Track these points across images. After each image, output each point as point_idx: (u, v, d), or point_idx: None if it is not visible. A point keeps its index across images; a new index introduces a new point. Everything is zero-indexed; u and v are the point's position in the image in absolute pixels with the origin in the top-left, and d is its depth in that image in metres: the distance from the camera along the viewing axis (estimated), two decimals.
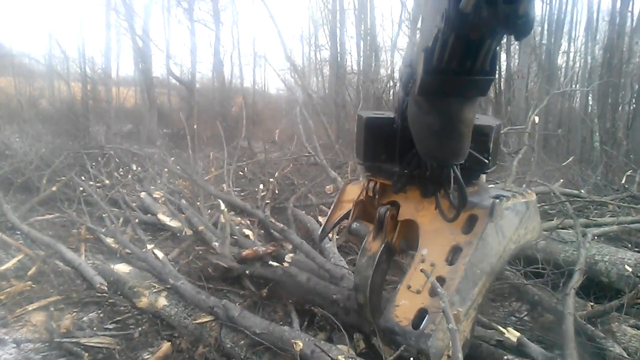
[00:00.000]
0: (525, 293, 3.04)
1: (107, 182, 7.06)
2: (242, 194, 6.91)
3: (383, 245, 1.89)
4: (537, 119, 6.40)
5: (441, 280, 1.56)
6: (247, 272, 3.42)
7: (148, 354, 2.75)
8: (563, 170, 6.93)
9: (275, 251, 3.44)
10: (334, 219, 2.26)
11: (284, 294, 3.24)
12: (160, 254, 4.14)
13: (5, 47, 18.51)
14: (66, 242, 4.60)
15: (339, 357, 2.08)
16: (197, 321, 2.89)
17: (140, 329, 3.03)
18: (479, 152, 1.63)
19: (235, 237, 4.28)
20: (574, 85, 12.93)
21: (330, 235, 3.66)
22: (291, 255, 3.44)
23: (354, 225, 2.13)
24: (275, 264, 3.28)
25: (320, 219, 5.14)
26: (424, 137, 1.44)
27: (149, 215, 5.55)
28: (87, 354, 2.69)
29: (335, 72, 14.70)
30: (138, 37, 14.77)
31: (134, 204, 5.93)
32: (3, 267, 3.82)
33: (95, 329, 3.05)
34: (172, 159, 9.05)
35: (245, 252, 3.44)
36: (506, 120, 9.49)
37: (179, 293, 3.25)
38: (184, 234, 4.84)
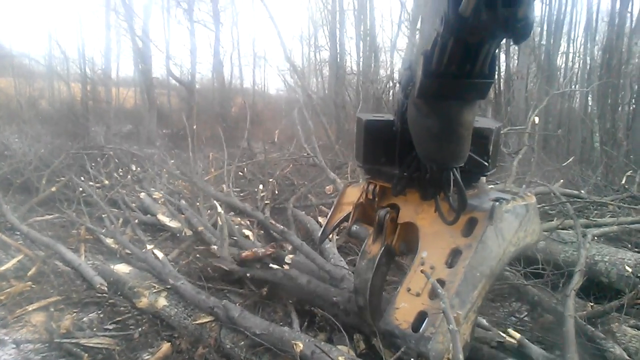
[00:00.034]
0: (525, 293, 3.04)
1: (106, 182, 7.06)
2: (241, 194, 6.91)
3: (383, 248, 1.89)
4: (537, 120, 6.40)
5: (441, 283, 1.56)
6: (247, 274, 3.42)
7: (148, 355, 2.75)
8: (563, 170, 6.93)
9: (275, 252, 3.44)
10: (334, 221, 2.25)
11: (284, 294, 3.24)
12: (160, 255, 4.13)
13: (5, 48, 18.53)
14: (66, 242, 4.59)
15: (339, 358, 2.08)
16: (197, 322, 2.89)
17: (140, 329, 3.03)
18: (479, 154, 1.63)
19: (234, 238, 4.27)
20: (573, 86, 12.95)
21: (330, 235, 3.66)
22: (291, 256, 3.44)
23: (354, 227, 2.13)
24: (275, 266, 3.28)
25: (320, 219, 5.13)
26: (424, 140, 1.44)
27: (148, 215, 5.55)
28: (86, 355, 2.69)
29: (334, 72, 14.71)
30: (138, 38, 14.79)
31: (134, 205, 5.92)
32: (3, 268, 3.81)
33: (95, 329, 3.05)
34: (172, 161, 9.05)
35: (244, 254, 3.44)
36: (506, 120, 9.49)
37: (179, 293, 3.24)
38: (183, 234, 4.84)
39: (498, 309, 3.26)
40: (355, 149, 1.96)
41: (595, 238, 3.84)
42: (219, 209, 4.50)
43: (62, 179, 6.86)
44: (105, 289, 3.49)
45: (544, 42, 12.53)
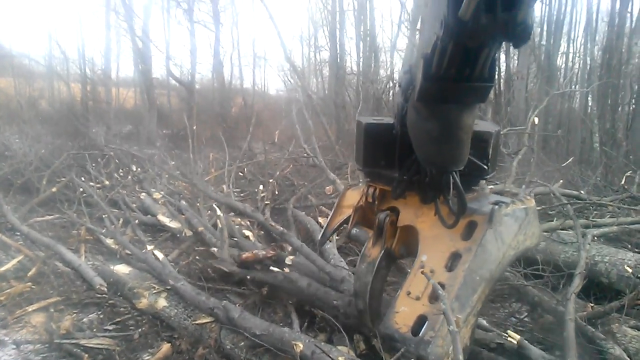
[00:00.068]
0: (526, 294, 3.05)
1: (107, 183, 7.06)
2: (241, 194, 6.91)
3: (383, 251, 1.89)
4: (536, 120, 6.40)
5: (440, 286, 1.56)
6: (247, 277, 3.42)
7: (148, 355, 2.75)
8: (563, 171, 6.94)
9: (275, 255, 3.44)
10: (334, 224, 2.25)
11: (284, 296, 3.24)
12: (160, 255, 4.13)
13: (5, 48, 18.52)
14: (66, 243, 4.59)
15: (339, 358, 2.08)
16: (197, 322, 2.89)
17: (140, 330, 3.03)
18: (478, 158, 1.63)
19: (235, 239, 4.27)
20: (573, 86, 12.95)
21: (330, 238, 3.66)
22: (291, 257, 3.43)
23: (354, 231, 2.13)
24: (276, 269, 3.28)
25: (320, 219, 5.13)
26: (423, 143, 1.44)
27: (148, 216, 5.55)
28: (87, 355, 2.69)
29: (334, 73, 14.72)
30: (138, 38, 14.78)
31: (134, 205, 5.92)
32: (3, 268, 3.81)
33: (95, 330, 3.05)
34: (173, 163, 9.06)
35: (245, 255, 3.44)
36: (506, 121, 9.49)
37: (179, 294, 3.25)
38: (183, 234, 4.84)
39: (498, 310, 3.26)
40: (355, 152, 1.96)
41: (595, 238, 3.85)
42: (219, 212, 4.51)
43: (63, 179, 6.86)
44: (105, 289, 3.49)
45: (544, 42, 12.54)
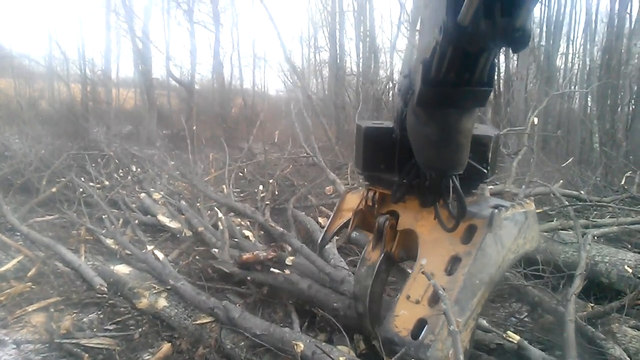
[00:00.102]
0: (526, 294, 3.05)
1: (106, 183, 7.06)
2: (241, 195, 6.91)
3: (382, 255, 1.89)
4: (536, 120, 6.40)
5: None
6: (248, 278, 3.42)
7: (148, 355, 2.75)
8: (563, 171, 6.94)
9: (276, 256, 3.44)
10: (334, 227, 2.26)
11: (284, 295, 3.24)
12: (160, 255, 4.13)
13: (5, 49, 18.53)
14: (66, 243, 4.59)
15: (340, 358, 2.08)
16: (197, 322, 2.89)
17: (140, 330, 3.03)
18: (478, 162, 1.63)
19: (236, 239, 4.27)
20: (572, 87, 12.96)
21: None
22: (292, 258, 3.43)
23: (354, 234, 2.14)
24: (276, 270, 3.28)
25: (320, 219, 5.13)
26: (423, 147, 1.45)
27: (148, 216, 5.55)
28: (87, 355, 2.69)
29: (334, 73, 14.72)
30: (138, 39, 14.78)
31: (134, 205, 5.92)
32: (3, 269, 3.81)
33: (95, 330, 3.05)
34: (172, 163, 9.05)
35: (245, 256, 3.44)
36: (505, 121, 9.49)
37: (179, 294, 3.25)
38: (183, 234, 4.84)
39: (498, 310, 3.26)
40: (355, 156, 1.97)
41: (595, 238, 3.85)
42: (220, 214, 4.51)
43: (63, 179, 6.86)
44: (105, 289, 3.49)
45: (543, 43, 12.55)
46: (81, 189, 6.34)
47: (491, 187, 4.91)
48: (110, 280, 3.62)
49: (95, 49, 37.23)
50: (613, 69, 11.39)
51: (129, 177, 7.43)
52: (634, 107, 11.57)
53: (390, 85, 12.56)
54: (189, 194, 6.51)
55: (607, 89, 11.38)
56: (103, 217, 5.31)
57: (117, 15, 15.69)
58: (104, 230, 4.91)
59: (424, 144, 1.42)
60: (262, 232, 4.91)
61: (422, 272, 1.63)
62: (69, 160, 7.78)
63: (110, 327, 3.08)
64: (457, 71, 1.04)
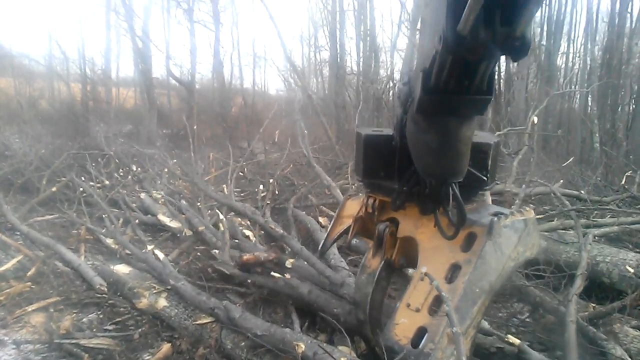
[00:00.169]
0: (527, 294, 3.04)
1: (107, 182, 7.06)
2: (242, 194, 6.90)
3: (382, 262, 1.89)
4: (536, 120, 6.39)
5: (440, 299, 1.56)
6: (248, 280, 3.41)
7: (148, 355, 2.74)
8: (563, 170, 6.94)
9: (276, 258, 3.43)
10: (334, 234, 2.26)
11: (284, 297, 3.23)
12: (161, 255, 4.13)
13: (5, 48, 18.53)
14: (66, 242, 4.59)
15: (342, 359, 2.08)
16: (197, 322, 2.88)
17: (140, 330, 3.02)
18: (478, 169, 1.63)
19: (236, 240, 4.26)
20: (573, 86, 12.96)
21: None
22: (292, 260, 3.42)
23: (354, 241, 2.13)
24: (277, 274, 3.27)
25: (320, 219, 5.13)
26: (423, 155, 1.45)
27: (149, 215, 5.54)
28: (87, 355, 2.69)
29: (335, 72, 14.71)
30: (138, 38, 14.77)
31: (134, 205, 5.92)
32: (3, 268, 3.81)
33: (95, 330, 3.04)
34: (174, 161, 9.06)
35: (246, 257, 3.43)
36: (506, 121, 9.49)
37: (180, 294, 3.24)
38: (184, 234, 4.83)
39: (500, 310, 3.25)
40: (355, 163, 1.97)
41: (596, 238, 3.84)
42: (221, 216, 4.50)
43: (63, 179, 6.85)
44: (105, 289, 3.48)
45: (544, 42, 12.54)
46: (81, 189, 6.34)
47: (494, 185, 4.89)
48: (110, 280, 3.61)
49: (95, 48, 37.30)
50: (614, 68, 11.39)
51: (129, 177, 7.42)
52: (634, 106, 11.57)
53: (391, 84, 12.55)
54: (189, 193, 6.51)
55: (607, 88, 11.37)
56: (103, 216, 5.31)
57: (117, 15, 15.70)
58: (104, 230, 4.90)
59: (423, 152, 1.43)
60: (263, 232, 4.90)
61: (425, 274, 1.63)
62: (69, 160, 7.78)
63: (110, 327, 3.08)
64: (457, 79, 1.04)
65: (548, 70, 12.21)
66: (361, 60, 14.64)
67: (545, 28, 12.60)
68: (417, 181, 1.64)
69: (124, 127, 15.21)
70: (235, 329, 2.65)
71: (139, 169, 8.05)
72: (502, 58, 1.06)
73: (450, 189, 1.48)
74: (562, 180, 6.12)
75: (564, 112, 12.90)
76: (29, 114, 13.66)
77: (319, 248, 2.37)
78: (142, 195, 6.23)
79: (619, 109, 11.81)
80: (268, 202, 5.73)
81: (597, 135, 10.76)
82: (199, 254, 4.42)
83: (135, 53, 15.35)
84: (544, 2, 12.13)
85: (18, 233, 4.85)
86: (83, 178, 7.04)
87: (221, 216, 4.54)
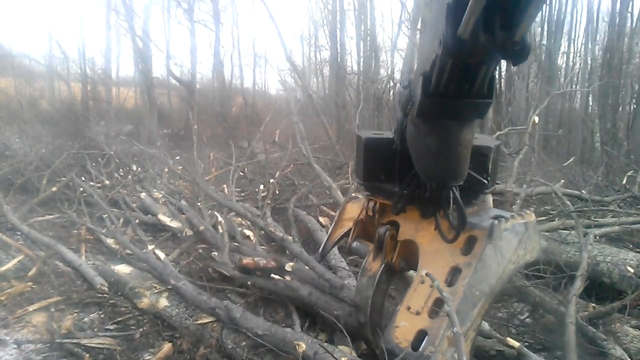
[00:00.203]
0: (527, 294, 3.04)
1: (107, 182, 7.06)
2: (242, 194, 6.90)
3: (383, 266, 1.89)
4: (537, 120, 6.39)
5: (441, 301, 1.56)
6: (248, 282, 3.41)
7: (149, 355, 2.75)
8: (564, 170, 6.93)
9: (276, 267, 3.42)
10: (334, 237, 2.27)
11: (285, 298, 3.23)
12: (161, 255, 4.13)
13: (5, 48, 18.54)
14: (66, 242, 4.59)
15: (342, 358, 2.08)
16: (198, 322, 2.89)
17: (141, 329, 3.03)
18: (478, 172, 1.64)
19: (236, 244, 4.26)
20: (574, 86, 12.94)
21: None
22: (291, 264, 3.42)
23: (354, 244, 2.14)
24: (277, 277, 3.27)
25: (321, 219, 5.13)
26: (423, 159, 1.46)
27: (149, 215, 5.55)
28: (88, 355, 2.69)
29: (335, 72, 14.70)
30: (138, 38, 14.76)
31: (135, 205, 5.92)
32: (3, 268, 3.81)
33: (96, 329, 3.05)
34: (177, 158, 9.05)
35: (245, 261, 3.43)
36: (507, 120, 9.49)
37: (180, 294, 3.24)
38: (184, 234, 4.83)
39: (500, 310, 3.25)
40: (355, 167, 1.97)
41: (597, 238, 3.84)
42: (219, 218, 4.50)
43: (63, 179, 6.86)
44: (106, 289, 3.49)
45: (544, 42, 12.53)
46: (81, 189, 6.34)
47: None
48: (111, 279, 3.61)
49: (96, 48, 37.18)
50: (614, 68, 11.37)
51: (130, 177, 7.43)
52: (635, 106, 11.57)
53: (391, 84, 12.53)
54: (189, 193, 6.51)
55: (608, 88, 11.36)
56: (104, 216, 5.31)
57: (117, 14, 15.70)
58: (104, 230, 4.91)
59: (424, 155, 1.43)
60: (263, 232, 4.90)
61: (426, 273, 1.63)
62: (69, 160, 7.78)
63: (111, 327, 3.08)
64: (457, 83, 1.05)
65: (549, 70, 12.20)
66: (361, 59, 14.63)
67: (545, 28, 12.59)
68: (418, 184, 1.64)
69: (124, 127, 15.22)
70: (236, 328, 2.66)
71: (139, 168, 8.05)
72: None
73: (451, 192, 1.48)
74: (563, 180, 6.12)
75: (565, 111, 12.89)
76: (29, 114, 13.67)
77: (320, 251, 2.37)
78: (143, 195, 6.23)
79: (620, 109, 11.79)
80: (268, 202, 5.73)
81: (598, 135, 10.75)
82: (200, 251, 4.42)
83: (136, 53, 15.34)
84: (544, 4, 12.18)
85: (19, 233, 4.85)
86: (83, 178, 7.05)
87: (220, 218, 4.54)
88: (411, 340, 1.59)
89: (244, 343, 2.59)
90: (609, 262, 3.36)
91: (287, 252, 3.98)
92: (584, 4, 13.17)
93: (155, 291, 3.33)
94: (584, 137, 11.87)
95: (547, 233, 3.85)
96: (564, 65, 13.95)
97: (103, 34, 20.30)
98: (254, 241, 4.37)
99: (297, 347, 2.20)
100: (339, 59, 14.71)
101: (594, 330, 2.53)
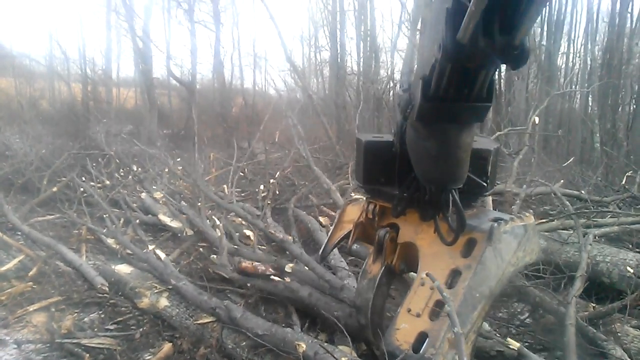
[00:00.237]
0: (527, 295, 3.04)
1: (107, 182, 7.07)
2: (242, 194, 6.91)
3: (383, 268, 1.90)
4: (537, 120, 6.40)
5: (441, 304, 1.56)
6: (248, 284, 3.42)
7: (149, 355, 2.75)
8: (564, 170, 6.94)
9: (274, 273, 3.42)
10: (334, 239, 2.28)
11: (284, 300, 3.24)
12: (162, 255, 4.13)
13: (5, 48, 18.56)
14: (67, 242, 4.60)
15: (342, 359, 2.08)
16: (198, 322, 2.89)
17: (141, 329, 3.03)
18: (478, 175, 1.64)
19: (236, 247, 4.25)
20: (573, 86, 12.95)
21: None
22: (291, 265, 3.42)
23: (354, 246, 2.15)
24: (276, 278, 3.28)
25: (321, 219, 5.14)
26: (422, 162, 1.47)
27: (149, 215, 5.55)
28: (88, 355, 2.69)
29: (335, 73, 14.70)
30: (138, 38, 14.76)
31: (135, 205, 5.92)
32: (4, 268, 3.82)
33: (96, 329, 3.05)
34: (178, 159, 9.05)
35: (244, 265, 3.43)
36: (506, 121, 9.50)
37: (181, 294, 3.25)
38: (184, 234, 4.84)
39: (500, 310, 3.26)
40: (355, 169, 1.98)
41: (597, 238, 3.85)
42: (218, 222, 4.50)
43: (63, 179, 6.86)
44: (107, 289, 3.49)
45: (544, 42, 12.53)
46: (82, 189, 6.34)
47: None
48: (112, 279, 3.62)
49: (96, 48, 37.22)
50: (614, 68, 11.38)
51: (130, 177, 7.43)
52: (635, 106, 11.57)
53: (391, 84, 12.54)
54: (189, 193, 6.51)
55: (608, 88, 11.37)
56: (104, 216, 5.32)
57: (117, 15, 15.70)
58: (105, 230, 4.91)
59: (423, 158, 1.44)
60: (263, 232, 4.90)
61: (426, 274, 1.63)
62: (69, 160, 7.79)
63: (112, 327, 3.08)
64: (456, 87, 1.05)
65: (548, 70, 12.21)
66: (361, 60, 14.64)
67: (545, 28, 12.59)
68: (417, 187, 1.65)
69: (124, 127, 15.23)
70: (236, 328, 2.66)
71: (140, 169, 8.06)
72: None
73: (450, 195, 1.49)
74: (562, 181, 6.12)
75: (565, 112, 12.89)
76: (30, 114, 13.67)
77: (320, 253, 2.38)
78: (143, 195, 6.24)
79: (620, 109, 11.80)
80: (269, 202, 5.74)
81: (597, 135, 10.76)
82: (201, 249, 4.42)
83: (136, 53, 15.35)
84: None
85: (19, 233, 4.86)
86: (84, 178, 7.05)
87: (218, 222, 4.54)
88: (412, 342, 1.59)
89: (244, 343, 2.59)
90: (608, 262, 3.36)
91: (287, 252, 3.98)
92: (584, 5, 13.20)
93: (156, 291, 3.34)
94: (584, 137, 11.88)
95: (546, 233, 3.86)
96: (563, 66, 13.97)
97: (103, 34, 20.36)
98: (254, 241, 4.38)
99: (297, 347, 2.21)
100: (339, 59, 14.72)
101: (594, 330, 2.53)
